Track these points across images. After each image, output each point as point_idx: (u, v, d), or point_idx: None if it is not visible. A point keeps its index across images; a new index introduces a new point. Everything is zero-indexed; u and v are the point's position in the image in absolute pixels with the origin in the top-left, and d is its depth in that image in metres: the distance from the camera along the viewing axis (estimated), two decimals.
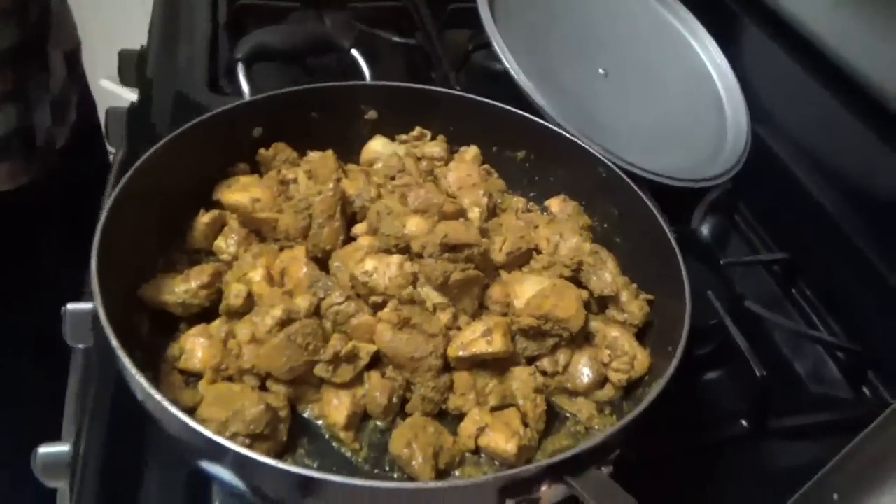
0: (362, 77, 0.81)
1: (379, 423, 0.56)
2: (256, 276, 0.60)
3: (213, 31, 1.07)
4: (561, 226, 0.67)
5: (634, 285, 0.64)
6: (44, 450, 0.67)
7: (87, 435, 0.62)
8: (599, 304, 0.64)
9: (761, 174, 0.91)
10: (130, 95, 1.18)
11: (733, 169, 0.87)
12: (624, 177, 0.69)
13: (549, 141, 0.74)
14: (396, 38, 1.08)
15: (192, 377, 0.57)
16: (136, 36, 1.16)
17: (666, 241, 0.63)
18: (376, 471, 0.54)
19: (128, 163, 0.95)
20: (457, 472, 0.54)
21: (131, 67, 1.08)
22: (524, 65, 0.80)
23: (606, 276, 0.63)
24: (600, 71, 0.91)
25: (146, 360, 0.56)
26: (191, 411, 0.53)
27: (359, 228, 0.65)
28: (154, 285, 0.60)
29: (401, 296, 0.58)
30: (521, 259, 0.65)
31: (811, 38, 0.91)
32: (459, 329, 0.59)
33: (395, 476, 0.53)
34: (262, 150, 0.72)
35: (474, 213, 0.67)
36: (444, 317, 0.58)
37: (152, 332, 0.59)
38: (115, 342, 0.47)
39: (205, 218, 0.65)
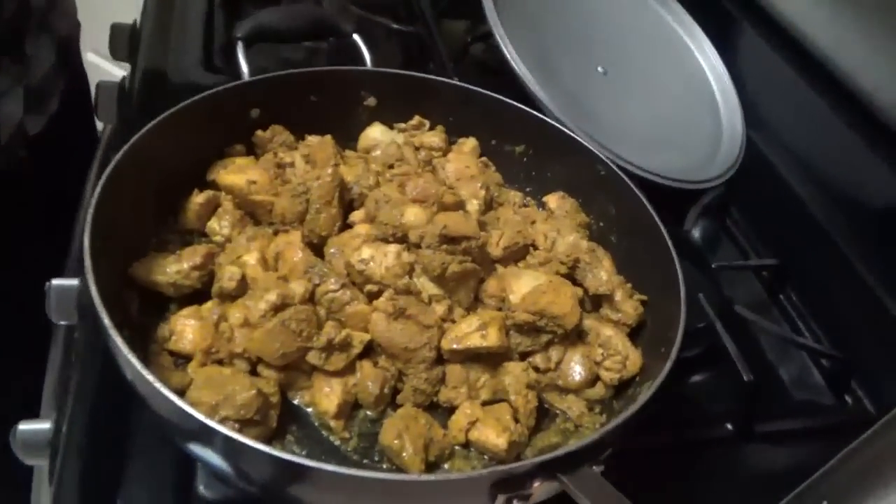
0: (362, 62, 0.80)
1: (369, 412, 0.56)
2: (251, 259, 0.59)
3: (209, 7, 1.05)
4: (559, 222, 0.67)
5: (629, 285, 0.64)
6: (24, 427, 0.66)
7: (70, 413, 0.61)
8: (594, 303, 0.64)
9: (754, 179, 0.92)
10: (116, 69, 1.16)
11: (727, 173, 0.88)
12: (622, 175, 0.69)
13: (549, 136, 0.74)
14: (394, 25, 1.07)
15: (182, 359, 0.56)
16: (120, 9, 1.13)
17: (662, 243, 0.63)
18: (365, 460, 0.53)
19: (117, 139, 0.95)
20: (446, 465, 0.54)
21: (124, 41, 1.06)
22: (524, 58, 0.80)
23: (602, 274, 0.63)
24: (599, 69, 0.91)
25: (135, 339, 0.55)
26: (180, 393, 0.52)
27: (356, 216, 0.64)
28: (145, 264, 0.59)
29: (397, 285, 0.57)
30: (518, 254, 0.64)
31: (808, 46, 0.92)
32: (454, 321, 0.58)
33: (385, 467, 0.53)
34: (258, 132, 0.71)
35: (473, 206, 0.66)
36: (439, 308, 0.58)
37: (142, 312, 0.58)
38: (107, 321, 0.46)
39: (199, 198, 0.64)
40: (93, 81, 1.12)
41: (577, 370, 0.59)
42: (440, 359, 0.57)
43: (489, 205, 0.70)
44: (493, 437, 0.53)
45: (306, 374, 0.56)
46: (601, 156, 0.70)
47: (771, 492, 0.45)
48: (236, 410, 0.49)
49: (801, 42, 0.93)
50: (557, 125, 0.73)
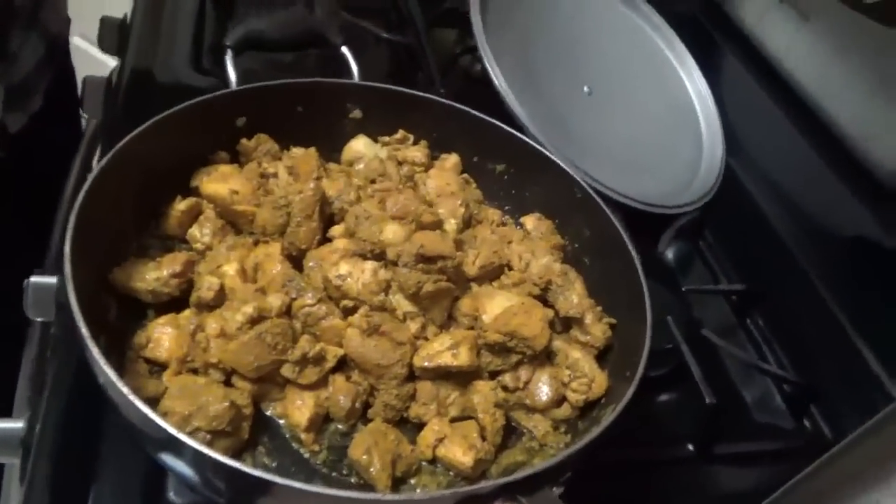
0: (349, 74, 0.81)
1: (340, 425, 0.57)
2: (230, 269, 0.60)
3: (200, 5, 1.06)
4: (534, 244, 0.69)
5: (599, 308, 0.66)
6: None
7: (44, 413, 0.62)
8: (564, 324, 0.66)
9: (729, 205, 0.94)
10: (102, 56, 1.15)
11: (702, 199, 0.90)
12: (598, 200, 0.71)
13: (529, 157, 0.75)
14: (384, 34, 1.08)
15: (157, 366, 0.57)
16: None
17: (633, 268, 0.64)
18: (334, 473, 0.55)
19: (103, 134, 0.95)
20: (412, 481, 0.55)
21: (113, 35, 1.06)
22: (509, 75, 0.82)
23: (573, 297, 0.64)
24: (585, 88, 0.92)
25: (111, 345, 0.55)
26: (153, 401, 0.53)
27: (335, 230, 0.65)
28: (125, 270, 0.59)
29: (372, 302, 0.59)
30: (493, 273, 0.66)
31: (787, 78, 0.94)
32: (427, 339, 0.60)
33: (353, 480, 0.54)
34: (244, 140, 0.71)
35: (451, 225, 0.68)
36: (413, 326, 0.59)
37: (119, 317, 0.59)
38: (84, 331, 0.47)
39: (181, 205, 0.65)
40: (80, 66, 1.12)
41: (544, 390, 0.60)
42: (412, 375, 0.58)
43: (468, 222, 0.72)
44: (460, 454, 0.54)
45: (280, 386, 0.57)
46: (578, 179, 0.72)
47: None
48: (208, 421, 0.50)
49: (781, 73, 0.95)
50: (538, 146, 0.75)
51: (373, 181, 0.71)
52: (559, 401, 0.61)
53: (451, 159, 0.78)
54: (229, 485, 0.48)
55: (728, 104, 1.01)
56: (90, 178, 0.58)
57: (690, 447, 0.71)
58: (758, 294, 0.87)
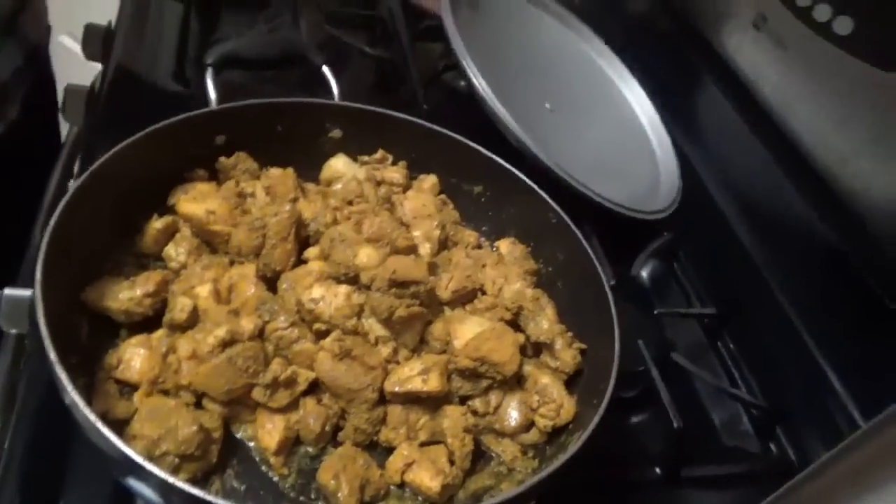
0: (330, 93, 0.82)
1: (310, 448, 0.58)
2: (203, 291, 0.60)
3: (185, 16, 1.06)
4: (507, 268, 0.70)
5: (570, 333, 0.67)
6: None
7: (14, 428, 0.62)
8: (534, 349, 0.67)
9: (703, 228, 0.95)
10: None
11: (664, 212, 0.92)
12: (571, 225, 0.72)
13: (506, 180, 0.76)
14: (368, 49, 1.08)
15: (128, 387, 0.57)
16: (95, 5, 1.13)
17: (602, 295, 0.65)
18: (302, 497, 0.55)
19: (85, 142, 0.95)
20: None
21: (97, 42, 1.06)
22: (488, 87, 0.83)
23: (544, 323, 0.65)
24: (547, 105, 0.95)
25: (82, 365, 0.56)
26: (123, 423, 0.54)
27: (311, 252, 0.66)
28: (98, 289, 0.60)
29: (345, 326, 0.59)
30: (466, 297, 0.67)
31: (763, 104, 0.96)
32: (398, 363, 0.60)
33: None
34: (222, 159, 0.72)
35: (425, 249, 0.69)
36: (385, 350, 0.60)
37: (91, 336, 0.59)
38: (53, 356, 0.47)
39: (157, 224, 0.65)
40: (64, 65, 1.11)
41: (513, 415, 0.61)
42: (382, 399, 0.59)
43: (443, 244, 0.73)
44: (428, 479, 0.55)
45: (250, 409, 0.57)
46: (553, 205, 0.73)
47: None
48: (177, 446, 0.51)
49: (757, 99, 0.97)
50: (514, 170, 0.76)
51: (350, 202, 0.71)
52: (528, 426, 0.62)
53: (429, 180, 0.79)
54: None
55: (705, 128, 1.02)
56: (65, 198, 0.58)
57: (658, 470, 0.72)
58: (729, 318, 0.89)
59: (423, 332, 0.63)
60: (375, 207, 0.71)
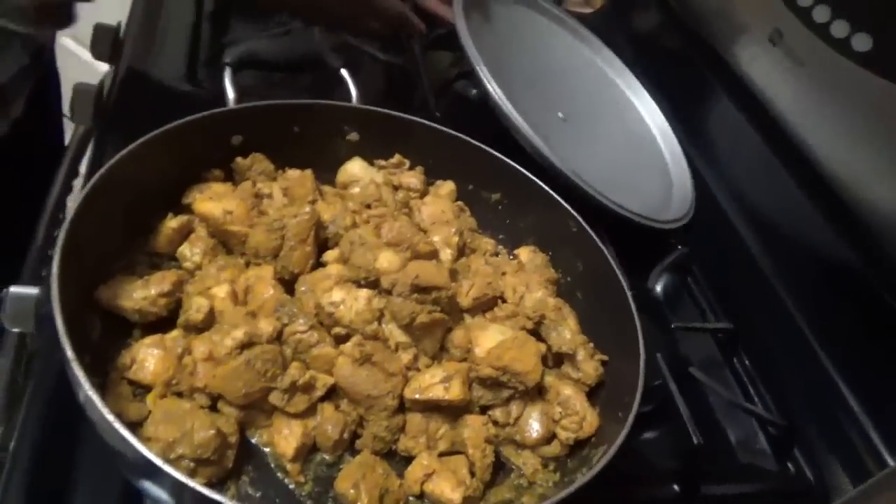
0: (348, 96, 0.81)
1: (327, 456, 0.56)
2: (220, 292, 0.59)
3: (196, 18, 1.05)
4: (528, 276, 0.69)
5: (591, 344, 0.66)
6: None
7: (20, 431, 0.60)
8: (555, 360, 0.65)
9: (718, 242, 0.95)
10: (91, 59, 1.14)
11: (680, 221, 0.91)
12: (592, 234, 0.71)
13: (525, 188, 0.75)
14: (381, 56, 1.08)
15: (141, 388, 0.56)
16: (106, 6, 1.11)
17: (626, 305, 0.64)
18: None
19: (94, 144, 0.93)
20: None
21: (107, 43, 1.04)
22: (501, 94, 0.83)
23: (566, 333, 0.64)
24: (559, 114, 0.94)
25: (94, 365, 0.54)
26: (136, 425, 0.52)
27: (329, 255, 0.64)
28: (112, 288, 0.58)
29: (365, 331, 0.58)
30: (487, 305, 0.65)
31: (778, 120, 0.95)
32: (419, 370, 0.59)
33: None
34: (238, 159, 0.71)
35: (446, 255, 0.67)
36: (405, 357, 0.58)
37: (103, 336, 0.57)
38: (70, 353, 0.46)
39: (172, 223, 0.64)
40: (69, 68, 1.10)
41: (534, 427, 0.60)
42: (402, 407, 0.58)
43: (461, 251, 0.71)
44: (448, 491, 0.54)
45: (267, 414, 0.56)
46: (573, 213, 0.72)
47: None
48: (193, 449, 0.49)
49: (772, 114, 0.96)
50: (533, 178, 0.75)
51: (368, 206, 0.70)
52: (549, 437, 0.60)
53: (447, 186, 0.78)
54: None
55: (716, 142, 1.02)
56: (82, 195, 0.56)
57: (676, 487, 0.70)
58: (744, 333, 0.88)
59: (444, 340, 0.61)
60: (394, 212, 0.70)
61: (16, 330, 0.74)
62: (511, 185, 0.77)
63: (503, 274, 0.69)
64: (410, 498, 0.55)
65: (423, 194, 0.76)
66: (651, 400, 0.77)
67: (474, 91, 0.96)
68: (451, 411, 0.58)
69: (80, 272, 0.55)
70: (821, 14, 0.88)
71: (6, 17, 0.67)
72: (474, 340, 0.61)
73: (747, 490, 0.75)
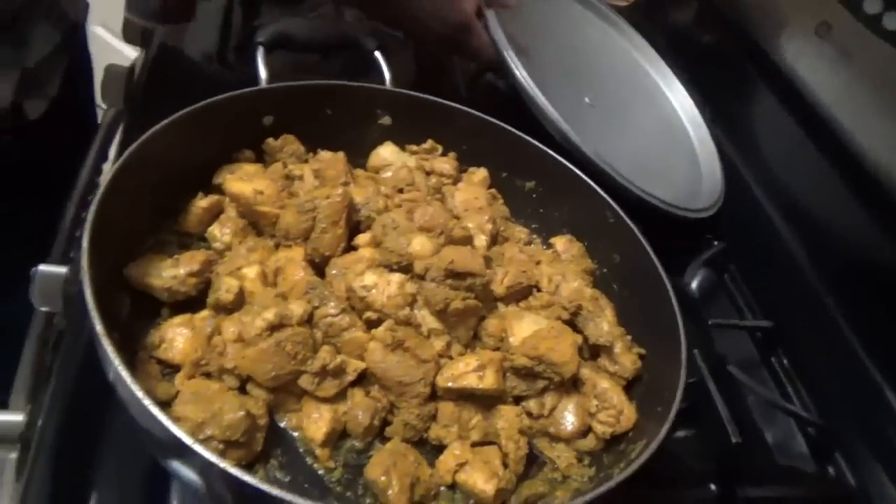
0: (381, 79, 0.80)
1: (356, 442, 0.55)
2: (251, 272, 0.57)
3: (229, 2, 1.04)
4: (564, 266, 0.67)
5: (629, 337, 0.64)
6: None
7: (47, 409, 0.59)
8: (592, 352, 0.63)
9: (755, 239, 0.92)
10: (121, 45, 1.14)
11: (708, 210, 0.89)
12: (631, 225, 0.68)
13: (561, 176, 0.73)
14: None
15: (169, 368, 0.55)
16: None
17: (666, 300, 0.62)
18: (348, 493, 0.52)
19: (125, 126, 0.93)
20: None
21: (138, 27, 1.04)
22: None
23: (604, 324, 0.62)
24: (586, 100, 0.92)
25: (123, 343, 0.53)
26: (164, 405, 0.51)
27: (361, 239, 0.63)
28: (141, 266, 0.57)
29: (397, 316, 0.56)
30: (521, 294, 0.64)
31: (823, 115, 0.92)
32: (451, 358, 0.57)
33: (368, 501, 0.52)
34: (269, 140, 0.69)
35: (480, 241, 0.66)
36: (438, 344, 0.57)
37: (132, 314, 0.56)
38: (99, 328, 0.45)
39: (203, 202, 0.63)
40: (99, 55, 1.10)
41: (569, 419, 0.58)
42: (433, 395, 0.56)
43: (495, 239, 0.70)
44: (481, 482, 0.52)
45: (296, 397, 0.54)
46: (611, 202, 0.70)
47: None
48: (222, 430, 0.48)
49: (817, 109, 0.93)
50: (570, 166, 0.73)
51: (400, 190, 0.69)
52: (585, 431, 0.58)
53: (480, 173, 0.76)
54: (239, 498, 0.46)
55: (761, 139, 0.99)
56: (112, 171, 0.56)
57: (713, 487, 0.68)
58: (783, 332, 0.85)
59: (477, 328, 0.60)
60: (427, 197, 0.68)
61: (44, 309, 0.73)
62: (547, 173, 0.75)
63: (538, 263, 0.67)
64: (441, 488, 0.53)
65: (456, 181, 0.74)
66: (687, 397, 0.75)
67: (503, 81, 0.94)
68: (485, 401, 0.56)
69: (109, 249, 0.54)
70: (872, 6, 0.84)
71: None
72: (509, 329, 0.59)
73: (785, 494, 0.72)
